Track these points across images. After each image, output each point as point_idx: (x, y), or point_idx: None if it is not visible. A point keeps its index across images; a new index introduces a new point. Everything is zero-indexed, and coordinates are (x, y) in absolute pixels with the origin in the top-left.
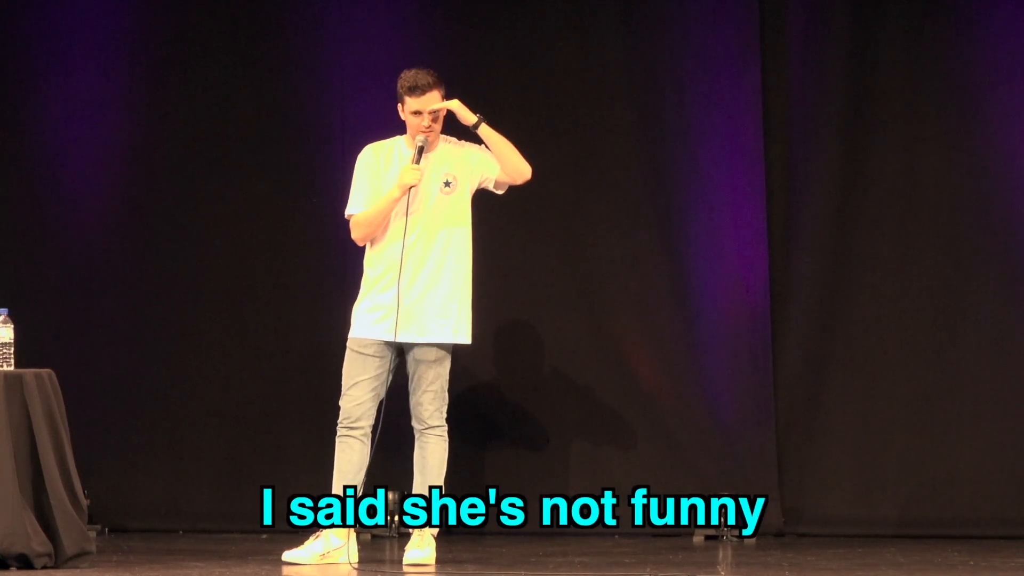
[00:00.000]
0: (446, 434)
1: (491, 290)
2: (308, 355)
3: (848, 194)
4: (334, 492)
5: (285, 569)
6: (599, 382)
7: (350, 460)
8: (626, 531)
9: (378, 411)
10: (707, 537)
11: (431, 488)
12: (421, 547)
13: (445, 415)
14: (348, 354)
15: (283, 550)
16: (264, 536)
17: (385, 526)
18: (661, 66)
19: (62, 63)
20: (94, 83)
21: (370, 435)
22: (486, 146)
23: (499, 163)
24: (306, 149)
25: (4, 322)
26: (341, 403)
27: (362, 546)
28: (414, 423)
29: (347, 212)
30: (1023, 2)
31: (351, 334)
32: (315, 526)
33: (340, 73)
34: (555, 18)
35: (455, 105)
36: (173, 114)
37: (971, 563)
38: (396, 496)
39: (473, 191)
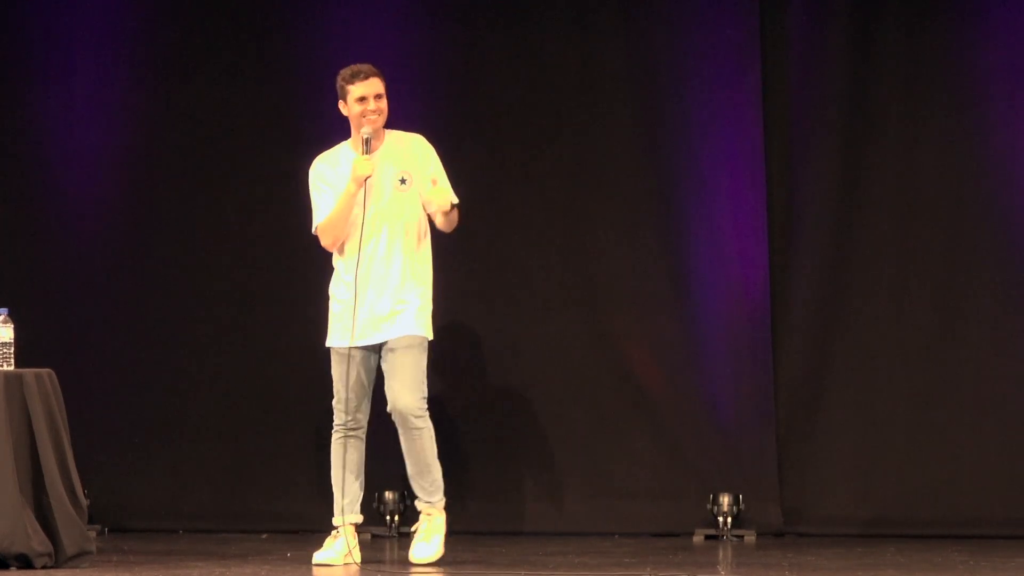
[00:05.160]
0: (428, 422)
1: (491, 290)
2: (308, 355)
3: (848, 194)
4: (338, 492)
5: (285, 569)
6: (599, 382)
7: (353, 459)
8: (626, 531)
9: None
10: (707, 537)
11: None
12: (428, 539)
13: (425, 406)
14: (332, 357)
15: (283, 550)
16: (264, 536)
17: (385, 526)
18: (661, 66)
19: (62, 64)
20: (94, 83)
21: (364, 434)
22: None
23: (436, 221)
24: (306, 149)
25: (4, 322)
26: (336, 406)
27: (362, 546)
28: (393, 416)
29: (313, 226)
30: (1023, 2)
31: (328, 343)
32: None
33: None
34: (555, 18)
35: (448, 195)
36: (173, 114)
37: (971, 563)
38: (396, 496)
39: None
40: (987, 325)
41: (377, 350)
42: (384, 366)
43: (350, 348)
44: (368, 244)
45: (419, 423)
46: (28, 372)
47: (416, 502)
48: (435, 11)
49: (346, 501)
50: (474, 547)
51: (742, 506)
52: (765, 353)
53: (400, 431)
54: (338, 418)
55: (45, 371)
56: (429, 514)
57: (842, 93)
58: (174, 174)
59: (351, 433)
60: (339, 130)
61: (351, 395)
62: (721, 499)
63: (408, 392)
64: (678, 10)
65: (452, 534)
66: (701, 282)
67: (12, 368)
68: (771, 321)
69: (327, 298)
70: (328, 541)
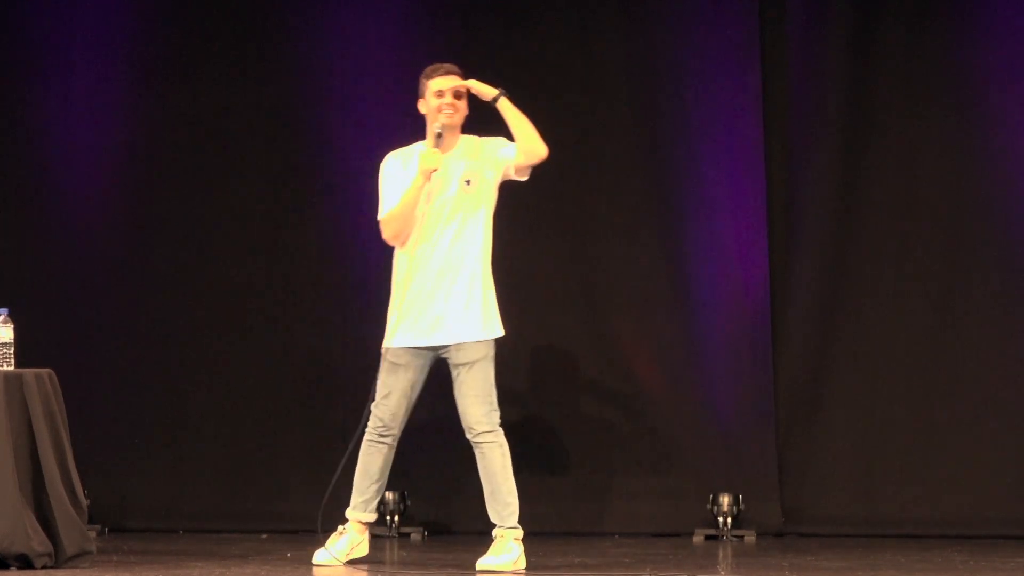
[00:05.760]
0: (500, 438)
1: None
2: (308, 355)
3: (848, 194)
4: (355, 490)
5: (285, 569)
6: (599, 382)
7: (376, 463)
8: (626, 531)
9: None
10: (707, 537)
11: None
12: (497, 554)
13: (497, 420)
14: (383, 363)
15: (283, 550)
16: (264, 536)
17: (385, 526)
18: (661, 66)
19: (62, 63)
20: (94, 83)
21: (398, 440)
22: (508, 136)
23: (516, 140)
24: (306, 150)
25: (4, 322)
26: (374, 410)
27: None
28: (466, 432)
29: (379, 216)
30: (1023, 2)
31: (385, 343)
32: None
33: (340, 74)
34: (555, 19)
35: (473, 83)
36: (173, 114)
37: (971, 563)
38: (396, 496)
39: (498, 184)
40: (987, 325)
41: (434, 352)
42: (453, 376)
43: (404, 349)
44: (430, 241)
45: (487, 437)
46: (28, 372)
47: (496, 529)
48: (435, 11)
49: (360, 500)
50: (475, 547)
51: (742, 506)
52: (765, 353)
53: (474, 449)
54: (372, 421)
55: (45, 371)
56: (500, 536)
57: (842, 93)
58: (174, 174)
59: (380, 439)
60: (340, 130)
61: (391, 400)
62: (721, 499)
63: (474, 405)
64: (678, 10)
65: (452, 534)
66: (701, 282)
67: (12, 368)
68: (771, 321)
69: (327, 299)
70: (332, 539)
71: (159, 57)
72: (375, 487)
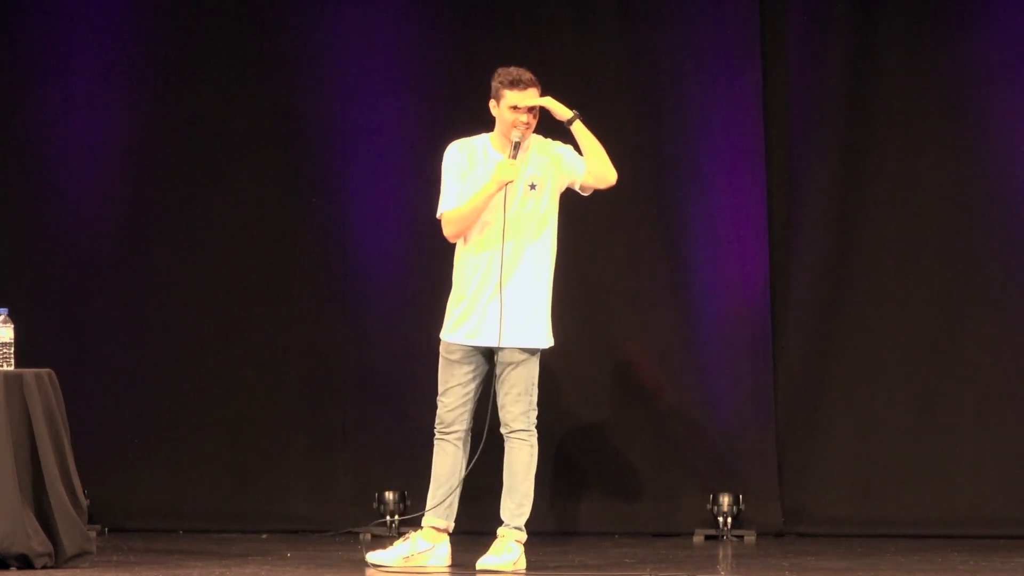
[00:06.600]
0: (532, 439)
1: None
2: (308, 356)
3: (848, 194)
4: (429, 493)
5: (285, 569)
6: (599, 382)
7: (444, 464)
8: (626, 531)
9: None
10: (707, 537)
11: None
12: (498, 553)
13: (534, 420)
14: (440, 359)
15: (283, 550)
16: (264, 536)
17: (385, 526)
18: (661, 66)
19: (62, 63)
20: (94, 83)
21: (465, 439)
22: (575, 145)
23: (587, 163)
24: (306, 150)
25: (4, 322)
26: (438, 407)
27: (363, 545)
28: (501, 427)
29: (439, 211)
30: (1023, 2)
31: (441, 334)
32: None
33: (340, 74)
34: (555, 18)
35: (549, 102)
36: (173, 114)
37: (971, 563)
38: (396, 496)
39: (560, 192)
40: (987, 325)
41: (490, 354)
42: (497, 372)
43: (458, 345)
44: (494, 245)
45: (520, 435)
46: (28, 372)
47: (500, 528)
48: (435, 11)
49: (432, 503)
50: (475, 547)
51: (742, 506)
52: (765, 353)
53: (504, 442)
54: (437, 417)
55: (45, 371)
56: (502, 535)
57: (842, 93)
58: (174, 174)
59: (443, 436)
60: (340, 130)
61: (449, 396)
62: (721, 499)
63: (514, 403)
64: (678, 10)
65: (453, 534)
66: (701, 282)
67: (12, 368)
68: (771, 321)
69: (327, 299)
70: (396, 542)
71: (159, 57)
72: (443, 490)
